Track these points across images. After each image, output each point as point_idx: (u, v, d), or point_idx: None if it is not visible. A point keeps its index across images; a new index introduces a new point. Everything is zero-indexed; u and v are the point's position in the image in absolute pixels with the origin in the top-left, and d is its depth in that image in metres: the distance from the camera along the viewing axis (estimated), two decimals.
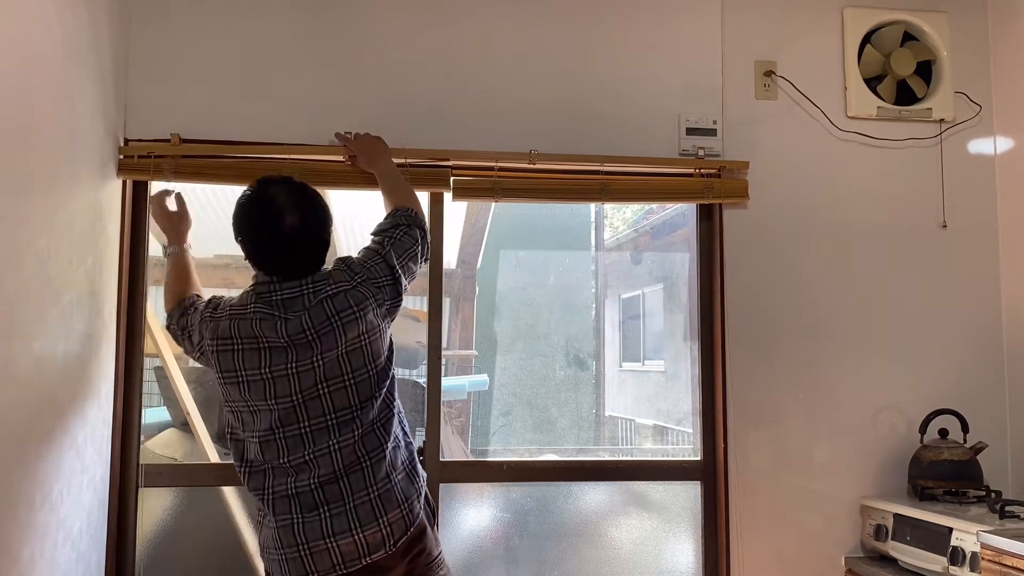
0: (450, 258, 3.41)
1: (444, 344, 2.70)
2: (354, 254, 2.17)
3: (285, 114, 2.62)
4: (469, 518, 2.76)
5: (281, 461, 1.98)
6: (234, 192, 2.13)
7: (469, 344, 3.35)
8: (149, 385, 2.78)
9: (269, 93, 2.63)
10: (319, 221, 2.06)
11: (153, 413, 2.95)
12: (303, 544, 1.94)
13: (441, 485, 2.65)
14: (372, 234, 2.24)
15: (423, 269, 2.31)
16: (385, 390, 2.08)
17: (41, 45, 1.90)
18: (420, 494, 2.11)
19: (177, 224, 2.42)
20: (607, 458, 3.11)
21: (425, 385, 2.71)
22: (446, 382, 2.80)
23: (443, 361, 2.69)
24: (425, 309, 2.72)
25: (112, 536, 2.46)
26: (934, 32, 2.97)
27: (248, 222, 2.04)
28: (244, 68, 2.63)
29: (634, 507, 2.85)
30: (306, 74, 2.66)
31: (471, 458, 3.10)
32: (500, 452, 3.04)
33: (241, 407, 2.02)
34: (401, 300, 2.15)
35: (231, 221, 2.06)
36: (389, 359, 2.12)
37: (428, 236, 2.31)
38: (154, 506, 2.58)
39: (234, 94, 2.62)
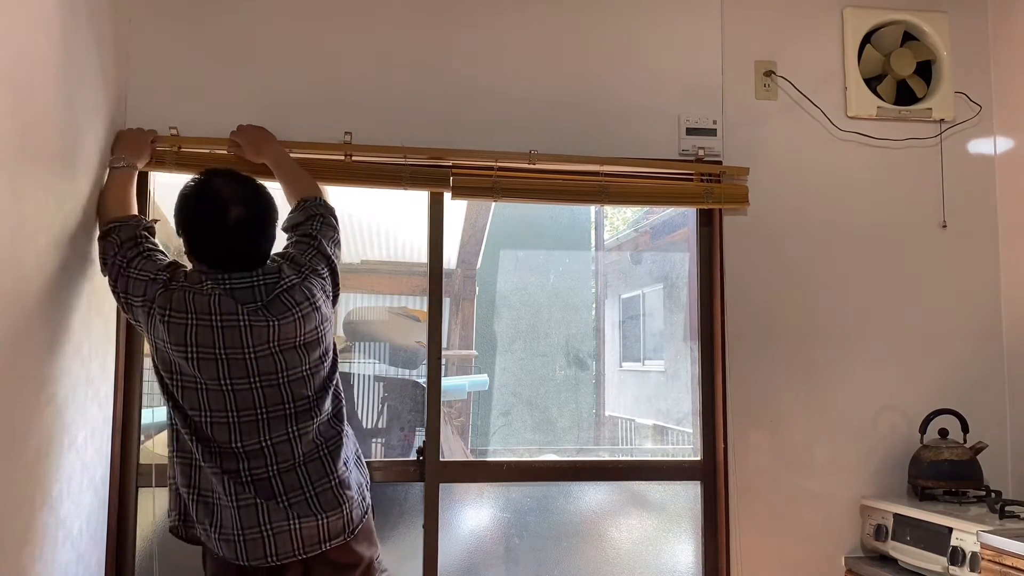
0: (450, 258, 3.40)
1: (444, 344, 2.71)
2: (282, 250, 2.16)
3: (283, 112, 2.62)
4: (469, 518, 2.76)
5: (234, 445, 1.97)
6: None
7: (469, 344, 3.34)
8: (149, 385, 2.77)
9: (268, 91, 2.63)
10: (264, 213, 2.06)
11: (153, 413, 2.94)
12: (266, 525, 1.94)
13: (441, 485, 2.65)
14: (290, 228, 2.21)
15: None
16: (336, 381, 2.12)
17: (41, 44, 1.90)
18: (369, 483, 2.15)
19: (144, 145, 2.41)
20: (607, 458, 3.10)
21: (425, 385, 2.71)
22: (446, 382, 2.80)
23: (443, 361, 2.70)
24: (425, 309, 2.72)
25: (112, 536, 2.45)
26: (934, 32, 2.97)
27: (191, 213, 2.03)
28: (243, 67, 2.63)
29: (634, 507, 2.85)
30: (304, 73, 2.66)
31: (471, 458, 3.09)
32: (500, 452, 3.03)
33: (187, 382, 1.98)
34: (339, 288, 2.17)
35: (173, 213, 2.05)
36: (335, 350, 2.15)
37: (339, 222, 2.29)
38: (155, 506, 2.58)
39: (233, 93, 2.62)
